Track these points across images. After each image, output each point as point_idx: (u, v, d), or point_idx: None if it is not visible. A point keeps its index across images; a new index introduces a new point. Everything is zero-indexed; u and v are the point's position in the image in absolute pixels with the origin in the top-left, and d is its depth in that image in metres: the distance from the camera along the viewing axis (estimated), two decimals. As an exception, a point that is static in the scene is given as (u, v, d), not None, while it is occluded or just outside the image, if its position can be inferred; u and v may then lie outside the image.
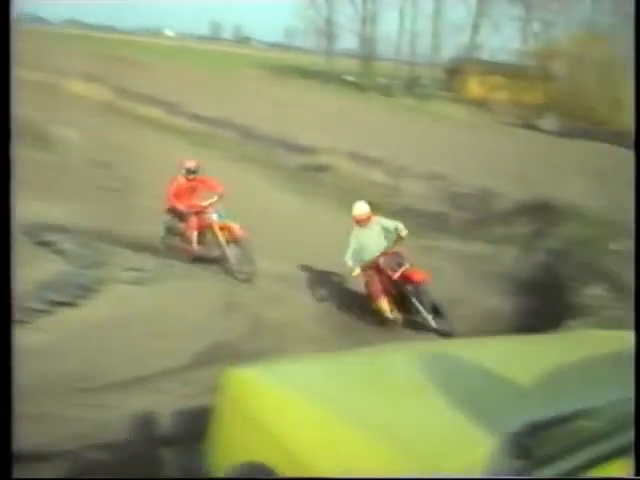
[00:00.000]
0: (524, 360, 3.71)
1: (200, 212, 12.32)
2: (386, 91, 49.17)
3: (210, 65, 49.89)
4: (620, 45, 45.84)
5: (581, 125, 33.92)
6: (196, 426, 4.60)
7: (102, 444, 5.52)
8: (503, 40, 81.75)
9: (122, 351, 8.15)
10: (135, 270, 10.44)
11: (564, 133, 31.59)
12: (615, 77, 40.38)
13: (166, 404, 6.51)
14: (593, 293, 10.67)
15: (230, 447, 3.37)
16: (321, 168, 20.72)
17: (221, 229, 12.04)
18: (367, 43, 55.45)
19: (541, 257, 13.20)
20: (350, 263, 10.57)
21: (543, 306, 10.73)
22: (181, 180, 12.65)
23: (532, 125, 35.51)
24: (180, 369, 7.86)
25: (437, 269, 12.02)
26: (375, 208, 16.51)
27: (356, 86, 51.39)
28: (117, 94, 32.24)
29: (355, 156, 21.02)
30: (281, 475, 2.84)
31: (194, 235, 12.37)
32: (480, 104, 43.39)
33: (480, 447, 2.40)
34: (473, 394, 3.08)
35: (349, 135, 23.64)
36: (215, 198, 12.30)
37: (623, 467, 1.94)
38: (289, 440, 2.93)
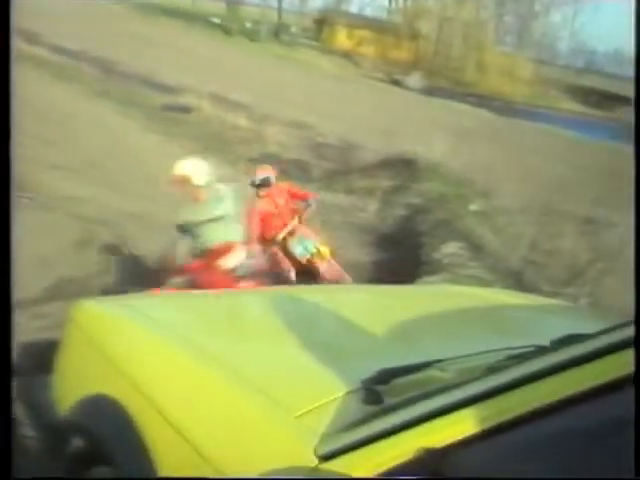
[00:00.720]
0: (379, 310, 3.78)
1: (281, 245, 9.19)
2: (253, 36, 48.87)
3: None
4: (485, 9, 46.82)
5: (446, 85, 34.54)
6: (42, 359, 4.46)
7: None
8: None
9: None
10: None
11: (429, 92, 32.06)
12: (480, 40, 41.26)
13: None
14: (449, 251, 10.79)
15: (76, 380, 3.32)
16: (183, 109, 20.38)
17: (310, 263, 9.09)
18: (234, -14, 54.89)
19: (400, 212, 13.30)
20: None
21: (400, 260, 10.81)
22: (260, 203, 9.20)
23: (397, 81, 35.91)
24: (27, 302, 7.61)
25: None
26: (237, 153, 16.51)
27: (222, 29, 50.82)
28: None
29: (219, 99, 20.76)
30: (124, 407, 2.80)
31: (292, 274, 9.01)
32: (347, 56, 43.70)
33: (332, 392, 2.42)
34: (327, 339, 3.19)
35: (214, 77, 23.35)
36: (295, 221, 9.16)
37: (471, 417, 1.91)
38: (136, 373, 2.89)
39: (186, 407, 2.62)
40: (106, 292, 8.29)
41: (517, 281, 9.51)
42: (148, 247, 10.01)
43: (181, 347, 2.89)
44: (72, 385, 3.32)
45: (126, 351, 3.05)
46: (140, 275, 8.70)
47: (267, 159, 15.44)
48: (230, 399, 2.53)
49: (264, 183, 9.20)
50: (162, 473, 2.57)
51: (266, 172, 9.32)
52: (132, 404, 2.77)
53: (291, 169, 15.43)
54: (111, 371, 3.01)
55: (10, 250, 2.90)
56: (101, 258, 9.34)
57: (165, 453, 2.59)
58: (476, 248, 10.81)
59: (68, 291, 8.11)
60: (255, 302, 3.92)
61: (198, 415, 2.57)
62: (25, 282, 8.05)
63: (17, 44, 26.73)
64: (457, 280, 9.11)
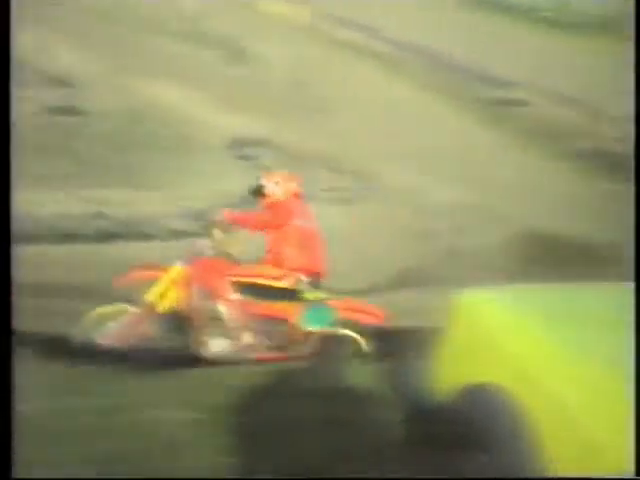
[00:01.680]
0: None
1: None
2: (583, 30, 47.37)
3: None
4: None
5: None
6: (398, 346, 4.66)
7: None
8: None
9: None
10: (333, 190, 10.49)
11: None
12: None
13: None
14: None
15: (459, 367, 3.36)
16: (515, 103, 20.22)
17: None
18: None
19: None
20: None
21: None
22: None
23: None
24: (372, 291, 7.95)
25: (623, 218, 11.76)
26: (565, 148, 16.19)
27: (551, 23, 49.66)
28: (316, 17, 31.99)
29: (551, 94, 20.41)
30: (513, 396, 2.80)
31: None
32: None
33: None
34: None
35: (545, 72, 22.94)
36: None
37: None
38: (527, 363, 2.90)
39: (580, 399, 2.60)
40: (447, 282, 8.51)
41: None
42: (485, 238, 10.13)
43: (568, 340, 2.91)
44: (453, 372, 3.35)
45: (516, 341, 3.05)
46: (481, 265, 8.84)
47: (599, 154, 15.13)
48: (620, 396, 2.52)
49: (256, 192, 7.40)
50: (549, 465, 2.59)
51: (271, 178, 7.43)
52: (522, 394, 2.79)
53: (626, 165, 15.06)
54: (500, 360, 3.05)
55: (9, 249, 2.94)
56: (439, 248, 9.56)
57: (555, 445, 2.59)
58: None
59: (411, 281, 8.42)
60: (604, 295, 3.82)
61: (594, 409, 2.55)
62: (371, 270, 8.53)
63: (357, 40, 27.68)
64: None
